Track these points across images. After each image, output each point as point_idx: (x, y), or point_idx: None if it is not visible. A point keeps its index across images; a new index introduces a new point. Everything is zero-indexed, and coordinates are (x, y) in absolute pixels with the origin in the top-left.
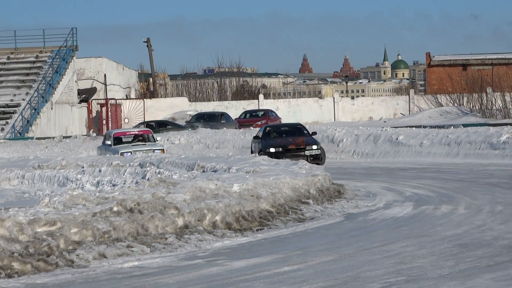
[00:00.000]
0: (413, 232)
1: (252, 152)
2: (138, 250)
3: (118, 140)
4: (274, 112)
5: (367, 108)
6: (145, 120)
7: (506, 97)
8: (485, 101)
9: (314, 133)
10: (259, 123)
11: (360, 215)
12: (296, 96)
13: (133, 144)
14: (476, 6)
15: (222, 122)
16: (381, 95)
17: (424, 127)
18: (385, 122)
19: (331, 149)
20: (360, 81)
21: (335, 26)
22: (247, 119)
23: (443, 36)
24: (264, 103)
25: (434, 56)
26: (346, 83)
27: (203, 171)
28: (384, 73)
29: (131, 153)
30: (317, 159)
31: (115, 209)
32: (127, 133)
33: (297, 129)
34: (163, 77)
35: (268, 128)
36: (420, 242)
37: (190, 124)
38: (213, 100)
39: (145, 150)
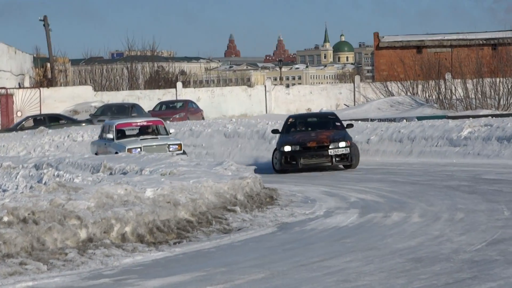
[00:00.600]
0: (359, 244)
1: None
2: (33, 268)
3: (121, 133)
4: (194, 103)
5: (304, 98)
6: (35, 114)
7: (468, 84)
8: (444, 90)
9: (350, 125)
10: (177, 116)
11: (296, 224)
12: (221, 84)
13: (141, 138)
14: None
15: (133, 115)
16: (322, 83)
17: (372, 120)
18: None
19: (262, 147)
20: (297, 66)
21: (267, 2)
22: (163, 111)
23: (394, 14)
24: (183, 93)
25: (383, 37)
26: (280, 68)
27: (111, 174)
28: (325, 57)
29: (141, 150)
30: (345, 160)
31: (5, 219)
32: (133, 124)
33: (328, 120)
34: (63, 62)
35: (291, 120)
36: (367, 257)
37: (95, 117)
38: (123, 89)
39: (157, 145)
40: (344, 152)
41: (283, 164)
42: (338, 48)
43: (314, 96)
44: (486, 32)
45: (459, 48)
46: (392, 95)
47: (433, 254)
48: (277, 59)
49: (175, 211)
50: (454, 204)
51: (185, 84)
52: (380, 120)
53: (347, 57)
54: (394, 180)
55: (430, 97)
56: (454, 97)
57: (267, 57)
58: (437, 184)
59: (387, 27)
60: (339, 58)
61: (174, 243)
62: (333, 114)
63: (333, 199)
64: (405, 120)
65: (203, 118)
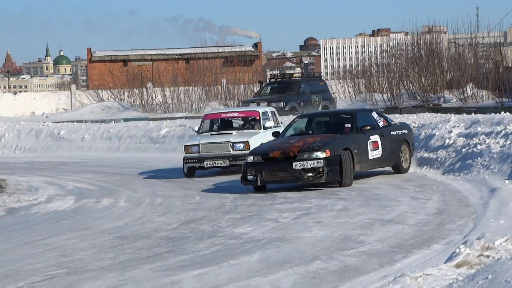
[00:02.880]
0: (75, 225)
1: None
2: None
3: (209, 126)
4: None
5: (29, 103)
6: None
7: (166, 92)
8: (146, 96)
9: (365, 127)
10: None
11: (22, 209)
12: None
13: (218, 132)
14: (132, 1)
15: None
16: (44, 91)
17: (86, 121)
18: (47, 117)
19: None
20: (23, 76)
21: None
22: None
23: (102, 32)
24: None
25: (95, 52)
26: (8, 78)
27: None
28: (47, 69)
29: (199, 147)
30: (318, 175)
31: None
32: (222, 114)
33: (343, 120)
34: None
35: (297, 119)
36: (81, 235)
37: None
38: None
39: (218, 142)
40: (315, 165)
41: (243, 180)
42: (58, 61)
43: (37, 101)
44: (180, 48)
45: (159, 61)
46: (103, 100)
47: (136, 233)
48: (6, 71)
49: None
50: (154, 191)
51: None
52: (93, 121)
53: (65, 69)
54: (105, 171)
55: (135, 102)
56: (154, 102)
57: None
58: (141, 174)
59: (99, 43)
60: (58, 69)
61: None
62: (354, 112)
63: (53, 187)
64: (113, 122)
65: None
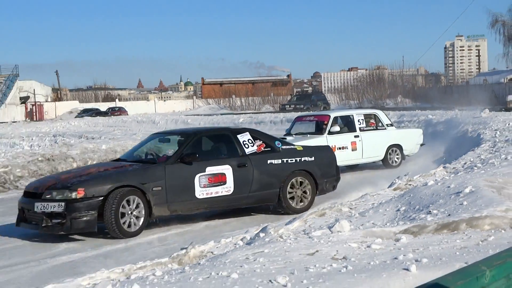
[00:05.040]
0: None
1: None
2: None
3: (295, 128)
4: None
5: (171, 106)
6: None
7: (242, 100)
8: (231, 102)
9: (280, 139)
10: None
11: None
12: None
13: (299, 134)
14: (223, 52)
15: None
16: (178, 99)
17: (200, 115)
18: (181, 113)
19: None
20: (169, 92)
21: None
22: None
23: (209, 69)
24: None
25: (205, 79)
26: (161, 92)
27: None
28: (180, 88)
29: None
30: (57, 226)
31: (39, 158)
32: (304, 118)
33: (224, 137)
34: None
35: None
36: None
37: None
38: None
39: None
40: (55, 209)
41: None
42: (186, 84)
43: (176, 105)
44: (248, 77)
45: (238, 84)
46: (209, 104)
47: None
48: (160, 89)
49: None
50: None
51: None
52: (204, 115)
53: (190, 88)
54: None
55: (226, 105)
56: (236, 105)
57: None
58: None
59: (208, 74)
60: (186, 88)
61: None
62: (187, 134)
63: None
64: (215, 115)
65: None
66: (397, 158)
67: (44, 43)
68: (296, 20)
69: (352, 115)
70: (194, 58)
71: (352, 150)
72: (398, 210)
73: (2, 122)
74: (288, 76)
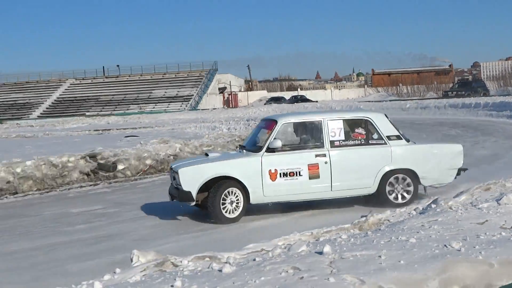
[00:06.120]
0: None
1: None
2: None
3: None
4: None
5: (345, 94)
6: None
7: (403, 88)
8: (396, 89)
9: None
10: None
11: None
12: None
13: None
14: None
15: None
16: (352, 88)
17: (371, 102)
18: (353, 99)
19: None
20: (343, 82)
21: None
22: None
23: (384, 59)
24: None
25: (375, 70)
26: (336, 82)
27: None
28: (353, 78)
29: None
30: None
31: (236, 139)
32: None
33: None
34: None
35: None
36: None
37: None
38: None
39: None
40: None
41: None
42: (358, 74)
43: (349, 93)
44: (415, 67)
45: (405, 74)
46: (379, 92)
47: None
48: (335, 80)
49: None
50: None
51: None
52: (375, 101)
53: (361, 78)
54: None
55: (394, 92)
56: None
57: None
58: None
59: (379, 66)
60: (358, 78)
61: None
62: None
63: None
64: (384, 102)
65: None
66: (405, 191)
67: (238, 41)
68: (455, 13)
69: (320, 121)
70: (364, 51)
71: (311, 178)
72: None
73: (204, 109)
74: (450, 66)
